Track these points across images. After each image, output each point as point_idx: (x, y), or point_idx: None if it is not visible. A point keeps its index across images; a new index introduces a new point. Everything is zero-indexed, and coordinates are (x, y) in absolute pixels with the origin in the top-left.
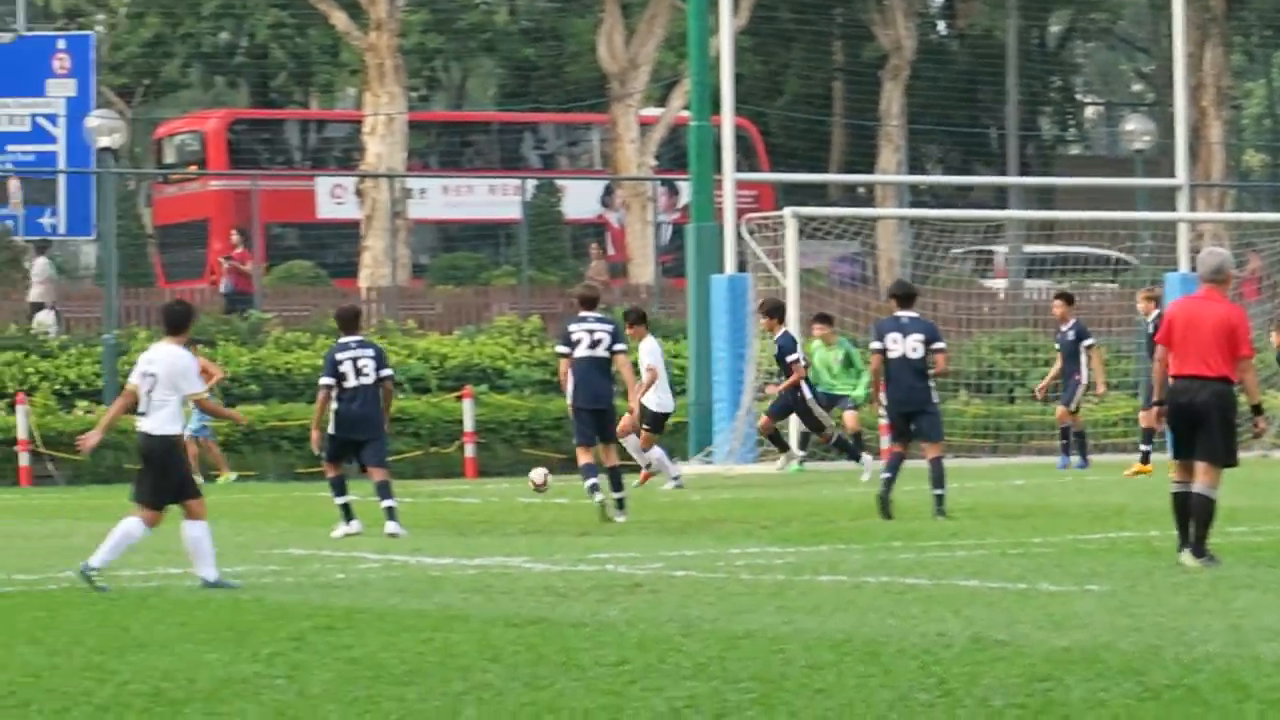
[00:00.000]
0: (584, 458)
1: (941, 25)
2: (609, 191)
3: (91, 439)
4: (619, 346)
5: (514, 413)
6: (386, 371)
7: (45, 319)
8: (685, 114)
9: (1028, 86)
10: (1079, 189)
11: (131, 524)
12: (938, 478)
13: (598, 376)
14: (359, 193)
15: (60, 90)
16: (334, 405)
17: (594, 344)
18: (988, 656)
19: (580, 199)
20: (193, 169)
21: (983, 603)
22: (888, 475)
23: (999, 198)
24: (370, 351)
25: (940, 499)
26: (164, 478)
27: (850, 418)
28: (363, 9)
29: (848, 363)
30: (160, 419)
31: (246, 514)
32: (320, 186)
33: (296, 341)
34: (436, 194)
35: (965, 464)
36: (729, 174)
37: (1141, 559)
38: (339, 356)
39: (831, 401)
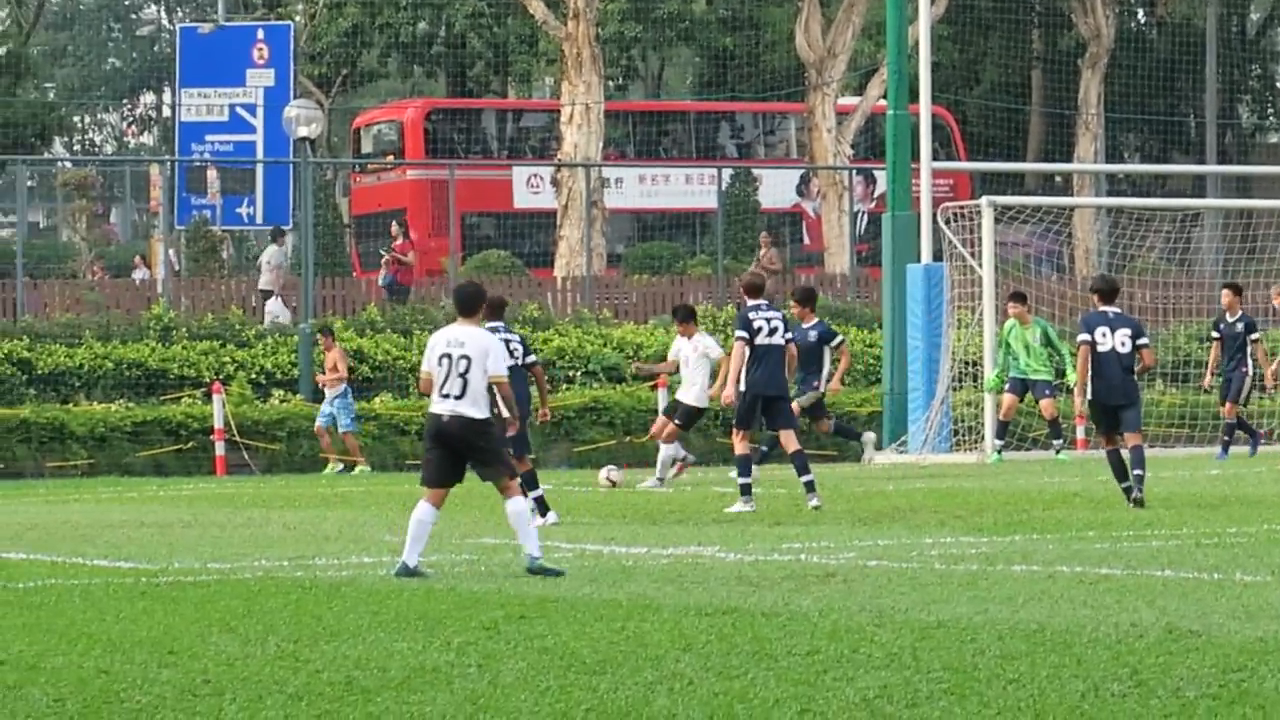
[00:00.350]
0: (743, 447)
1: (1141, 13)
2: (805, 181)
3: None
4: (788, 336)
5: (710, 402)
6: (532, 358)
7: (274, 307)
8: (882, 103)
9: (1227, 74)
10: (1277, 177)
11: (423, 511)
12: (1140, 460)
13: (776, 365)
14: (555, 182)
15: (259, 80)
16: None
17: (771, 332)
18: (1181, 647)
19: (776, 188)
20: (390, 159)
21: (1177, 593)
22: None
23: (1197, 186)
24: (516, 338)
25: (1140, 479)
26: (476, 460)
27: (1047, 405)
28: None
29: (1045, 341)
30: (474, 402)
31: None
32: (517, 176)
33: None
34: (632, 183)
35: (1161, 454)
36: (926, 163)
37: None
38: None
39: (1025, 388)
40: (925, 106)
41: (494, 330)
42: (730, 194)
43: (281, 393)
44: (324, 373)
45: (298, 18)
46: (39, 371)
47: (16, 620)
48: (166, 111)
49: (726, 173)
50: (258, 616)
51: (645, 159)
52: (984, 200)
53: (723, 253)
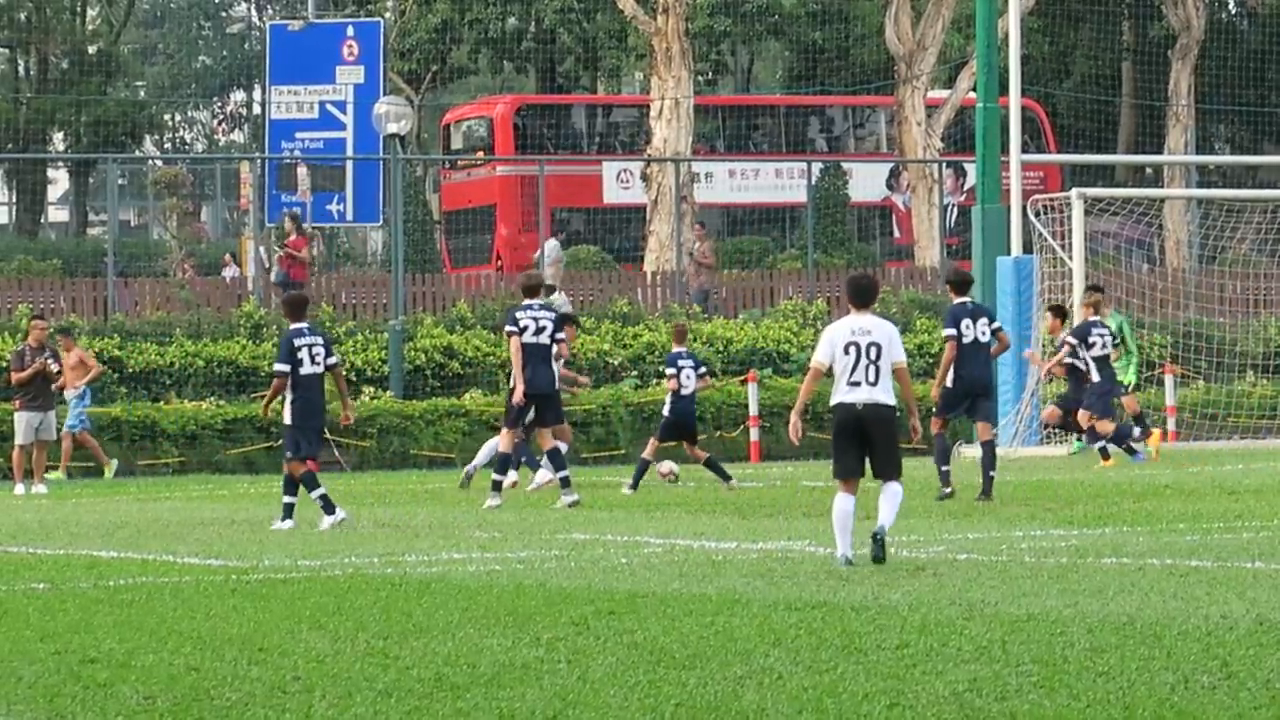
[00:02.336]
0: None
1: (1231, 4)
2: (895, 174)
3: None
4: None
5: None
6: (334, 360)
7: (557, 300)
8: (972, 95)
9: None
10: None
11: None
12: (991, 459)
13: (541, 363)
14: (645, 177)
15: (349, 77)
16: (290, 396)
17: (539, 330)
18: (1272, 639)
19: (866, 182)
20: (480, 155)
21: (1268, 585)
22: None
23: None
24: (320, 339)
25: (991, 481)
26: (881, 448)
27: (1129, 401)
28: None
29: (1119, 338)
30: (886, 389)
31: (530, 499)
32: (606, 171)
33: (584, 327)
34: (722, 178)
35: (1252, 445)
36: (1015, 155)
37: None
38: (298, 343)
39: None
40: (1015, 99)
41: (297, 333)
42: (820, 188)
43: (372, 389)
44: (79, 375)
45: (388, 14)
46: (130, 370)
47: (108, 618)
48: (257, 109)
49: (816, 167)
50: (347, 613)
51: (735, 153)
52: (1074, 192)
53: (813, 247)
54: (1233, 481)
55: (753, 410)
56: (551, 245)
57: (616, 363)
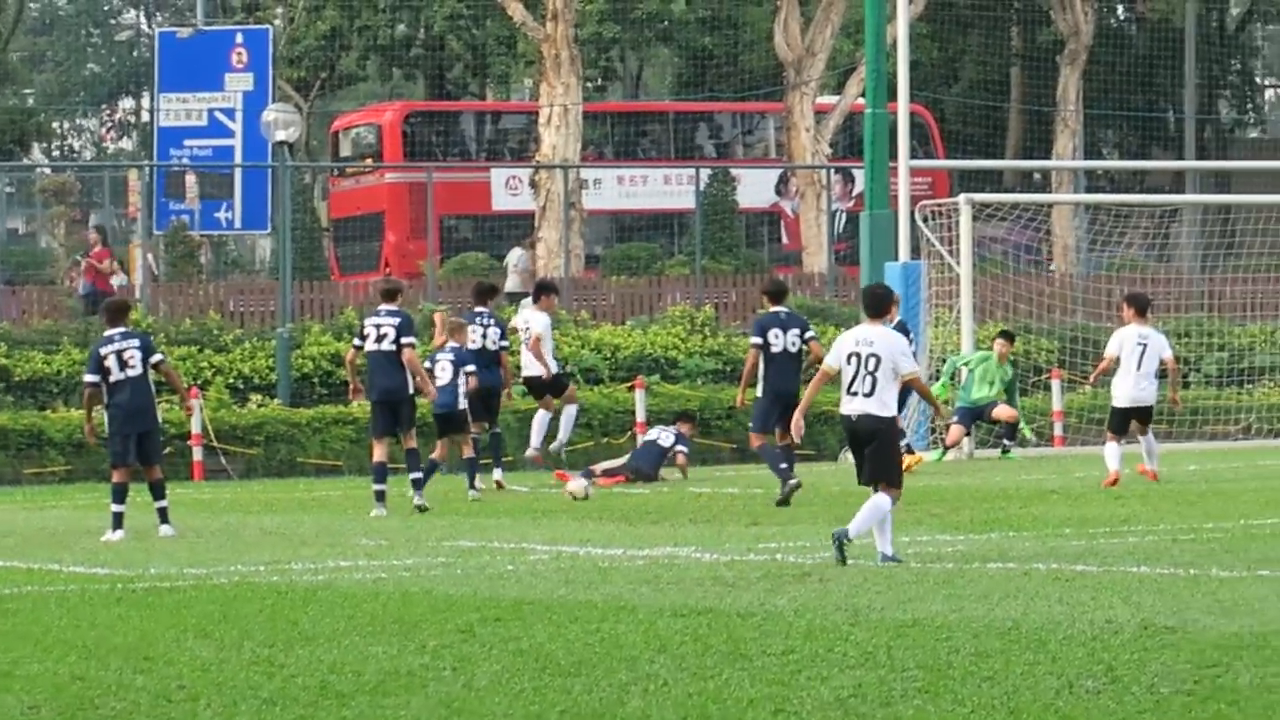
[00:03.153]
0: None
1: (1120, 9)
2: (783, 180)
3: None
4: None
5: (686, 403)
6: (156, 357)
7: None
8: (861, 101)
9: (1206, 70)
10: (1256, 172)
11: (880, 500)
12: (791, 459)
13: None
14: (534, 184)
15: (238, 85)
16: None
17: (380, 339)
18: (1156, 643)
19: (755, 188)
20: (368, 162)
21: (1152, 589)
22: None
23: (1175, 182)
24: (135, 342)
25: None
26: (870, 457)
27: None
28: (539, 0)
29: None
30: (885, 400)
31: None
32: (495, 178)
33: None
34: (611, 184)
35: (1138, 449)
36: (904, 161)
37: None
38: (102, 351)
39: (974, 417)
40: (903, 105)
41: (110, 339)
42: (708, 194)
43: (259, 397)
44: None
45: (276, 21)
46: (17, 378)
47: None
48: (145, 117)
49: (705, 173)
50: (233, 622)
51: (624, 160)
52: (962, 198)
53: (701, 253)
54: (1119, 486)
55: (640, 416)
56: (518, 254)
57: None
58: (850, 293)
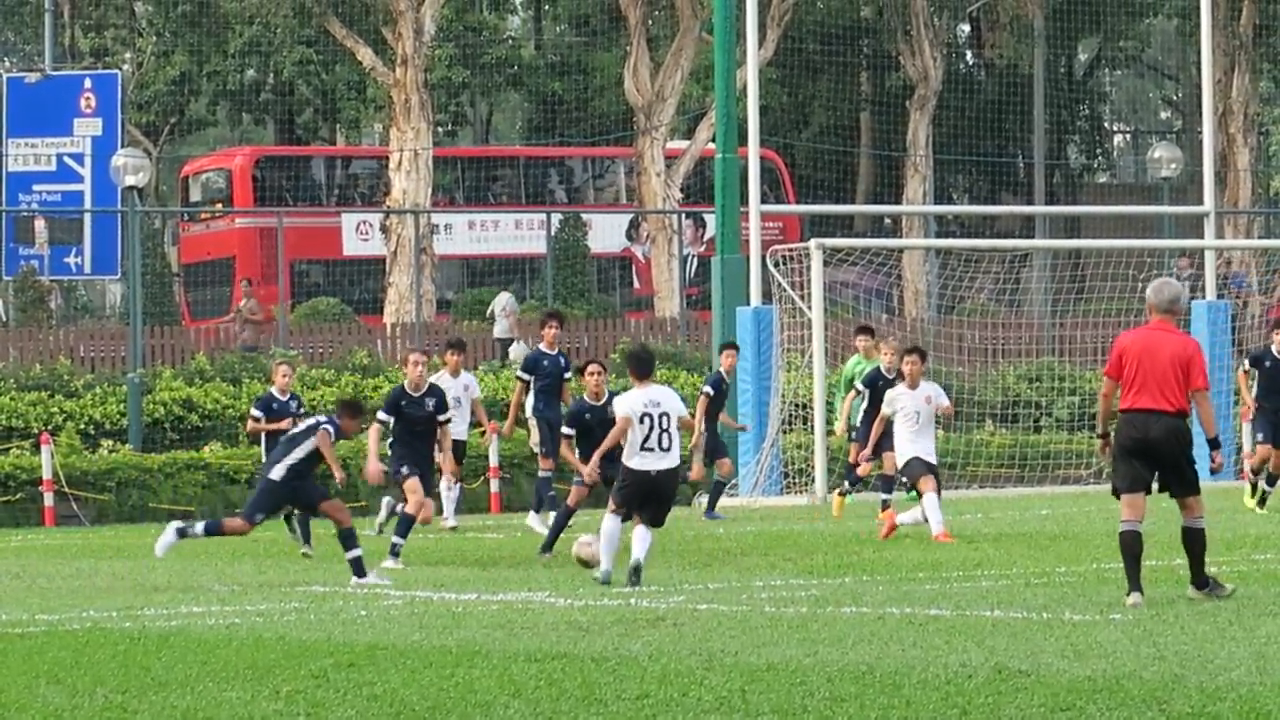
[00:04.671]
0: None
1: (969, 55)
2: (634, 225)
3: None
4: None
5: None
6: None
7: (517, 352)
8: (711, 146)
9: (1055, 115)
10: (1106, 217)
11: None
12: None
13: None
14: (384, 229)
15: (87, 129)
16: None
17: None
18: (1010, 687)
19: (606, 233)
20: (218, 207)
21: (1006, 633)
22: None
23: (1025, 227)
24: None
25: None
26: (665, 507)
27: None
28: (388, 45)
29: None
30: (676, 455)
31: (270, 551)
32: (346, 223)
33: (321, 379)
34: (462, 229)
35: (991, 494)
36: (754, 206)
37: (1166, 587)
38: None
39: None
40: (754, 150)
41: None
42: (560, 239)
43: (110, 443)
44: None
45: (125, 66)
46: None
47: None
48: None
49: (556, 218)
50: (86, 668)
51: (474, 205)
52: (812, 243)
53: (553, 298)
54: (971, 530)
55: (493, 461)
56: (506, 298)
57: None
58: (702, 337)
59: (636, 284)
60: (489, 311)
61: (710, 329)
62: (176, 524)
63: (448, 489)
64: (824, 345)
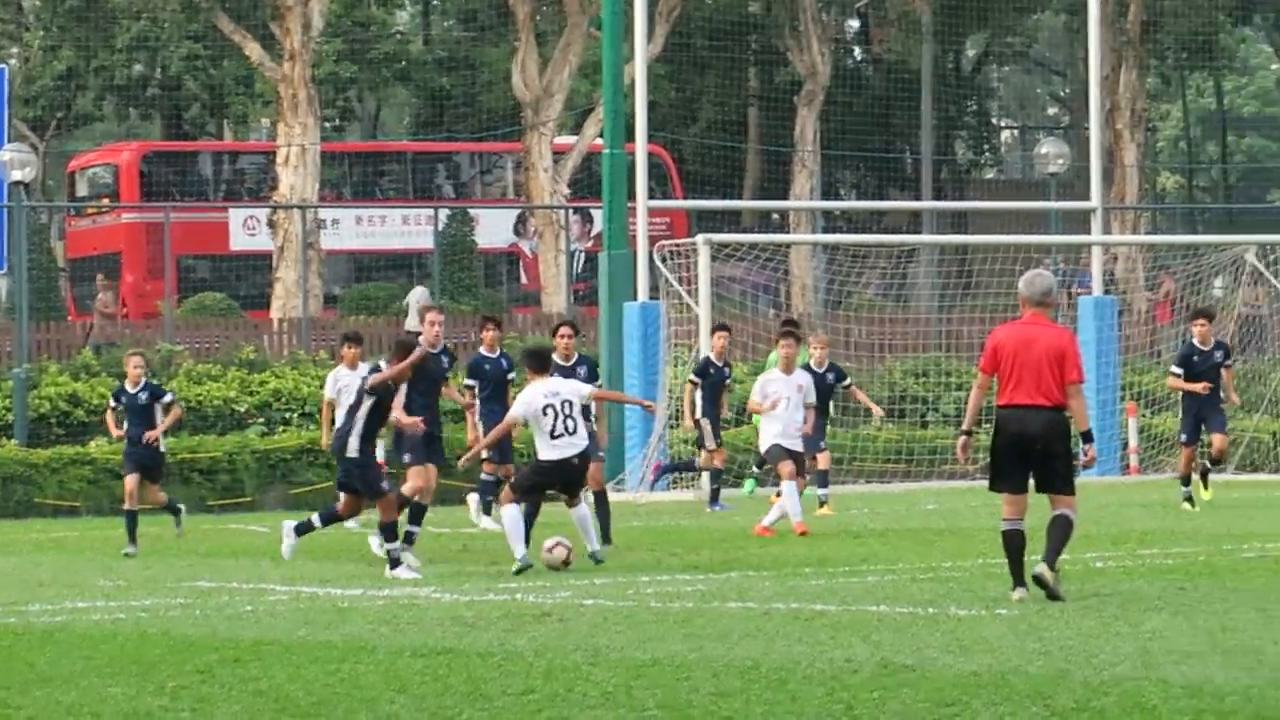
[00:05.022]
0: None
1: (858, 51)
2: (522, 220)
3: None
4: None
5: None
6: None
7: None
8: (599, 142)
9: (943, 111)
10: (993, 212)
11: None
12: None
13: None
14: (272, 224)
15: None
16: None
17: None
18: (895, 682)
19: (494, 228)
20: (105, 202)
21: (891, 628)
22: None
23: (913, 223)
24: None
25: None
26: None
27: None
28: (276, 40)
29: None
30: (584, 436)
31: (154, 547)
32: (233, 218)
33: (208, 374)
34: (349, 224)
35: (877, 489)
36: (642, 201)
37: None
38: None
39: None
40: (641, 145)
41: None
42: (447, 234)
43: None
44: None
45: (12, 61)
46: None
47: None
48: None
49: (444, 213)
50: None
51: (362, 200)
52: (699, 238)
53: (439, 293)
54: (858, 525)
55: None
56: (420, 292)
57: (243, 409)
58: (589, 332)
59: (524, 279)
60: (403, 305)
61: (597, 324)
62: (293, 523)
63: None
64: (710, 340)
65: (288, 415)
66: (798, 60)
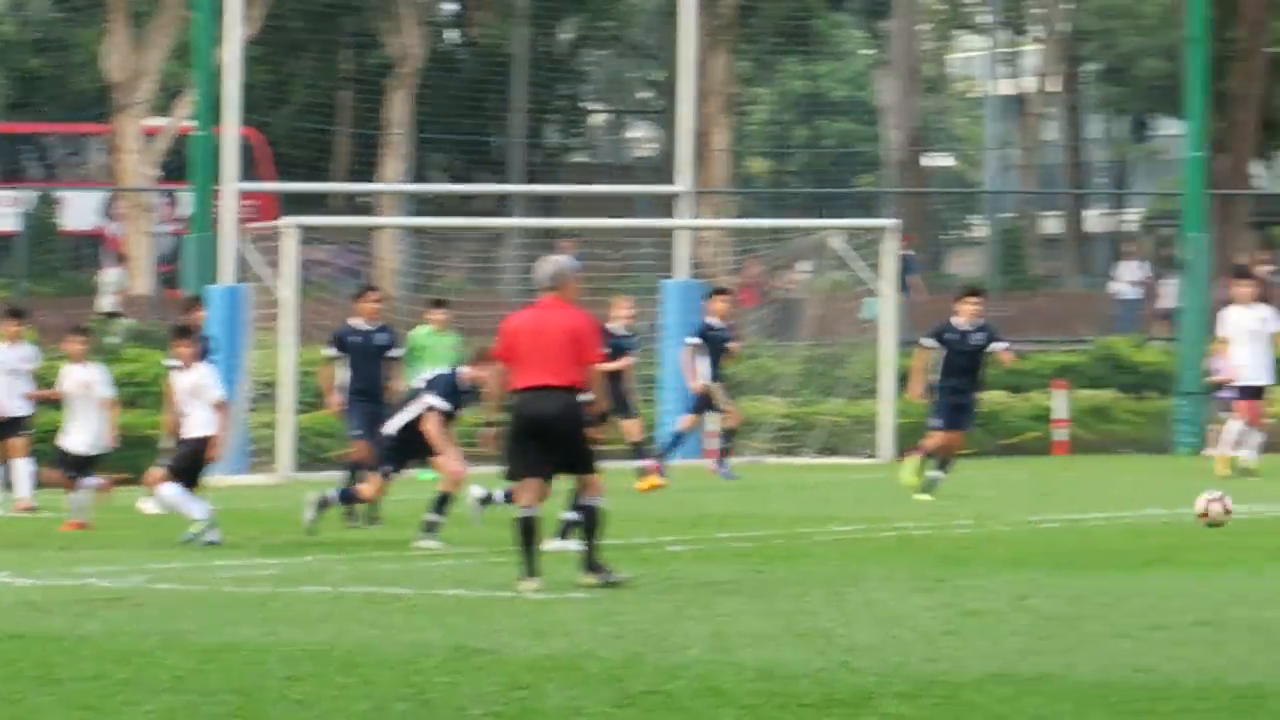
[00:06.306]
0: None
1: (456, 33)
2: (110, 202)
3: None
4: None
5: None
6: None
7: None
8: (189, 124)
9: (535, 94)
10: (583, 196)
11: None
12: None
13: None
14: None
15: None
16: None
17: None
18: (468, 665)
19: (80, 210)
20: None
21: (467, 611)
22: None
23: (503, 206)
24: None
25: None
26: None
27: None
28: None
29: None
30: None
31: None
32: None
33: None
34: None
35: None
36: (229, 184)
37: (626, 565)
38: None
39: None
40: (230, 126)
41: None
42: (33, 216)
43: None
44: None
45: None
46: None
47: None
48: None
49: (33, 195)
50: None
51: None
52: (285, 221)
53: (26, 276)
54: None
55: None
56: (116, 274)
57: None
58: (174, 315)
59: (109, 262)
60: (98, 284)
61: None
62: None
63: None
64: (296, 324)
65: None
66: (391, 42)
